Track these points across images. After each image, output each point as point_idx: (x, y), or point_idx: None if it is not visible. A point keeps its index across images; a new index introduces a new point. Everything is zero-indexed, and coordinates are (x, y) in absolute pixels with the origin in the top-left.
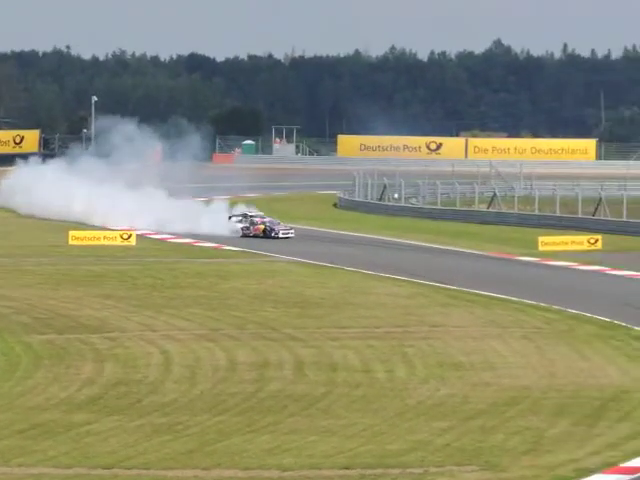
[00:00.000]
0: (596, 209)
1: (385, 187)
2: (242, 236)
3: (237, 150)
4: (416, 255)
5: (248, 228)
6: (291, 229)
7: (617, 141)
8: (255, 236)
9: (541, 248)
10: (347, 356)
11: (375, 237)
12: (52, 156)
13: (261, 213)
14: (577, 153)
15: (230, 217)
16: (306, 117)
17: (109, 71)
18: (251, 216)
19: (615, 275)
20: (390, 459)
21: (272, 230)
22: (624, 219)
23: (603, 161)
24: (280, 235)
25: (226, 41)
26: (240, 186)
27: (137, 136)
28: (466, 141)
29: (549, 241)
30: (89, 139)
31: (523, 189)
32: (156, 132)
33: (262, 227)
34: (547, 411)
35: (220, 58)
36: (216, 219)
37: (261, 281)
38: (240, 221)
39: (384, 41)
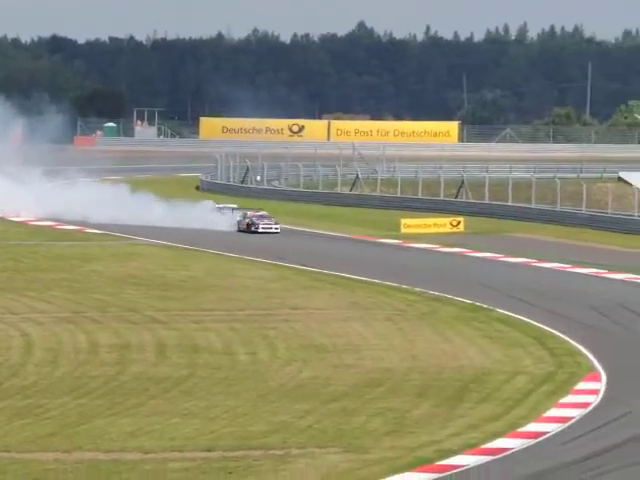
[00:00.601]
0: (458, 191)
1: (248, 169)
2: (238, 231)
3: (98, 132)
4: (279, 238)
5: (241, 222)
6: (276, 224)
7: (479, 123)
8: (244, 230)
9: (403, 230)
10: (209, 338)
11: None
12: None
13: (265, 212)
14: (440, 136)
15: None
16: (168, 99)
17: None
18: (244, 210)
19: (477, 257)
20: (252, 441)
21: (253, 224)
22: (486, 201)
23: (465, 143)
24: (259, 230)
25: (87, 23)
26: (103, 168)
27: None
28: (329, 124)
29: (411, 223)
30: None
31: (386, 171)
32: (17, 110)
33: (248, 221)
34: (409, 393)
35: (81, 40)
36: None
37: (124, 264)
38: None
39: (246, 24)
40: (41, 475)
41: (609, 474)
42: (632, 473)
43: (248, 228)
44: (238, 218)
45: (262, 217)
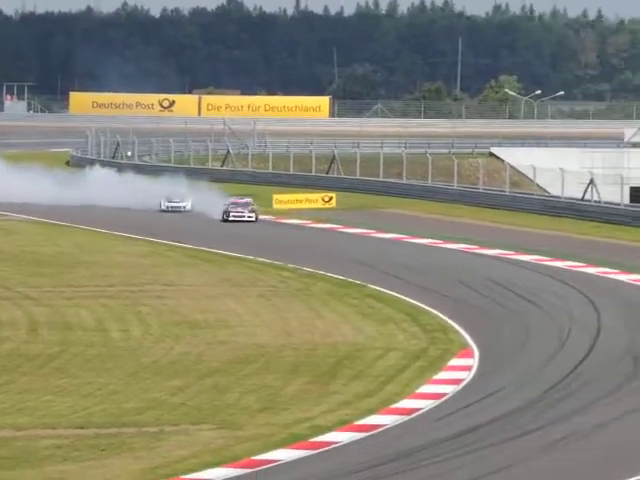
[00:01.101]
0: (330, 167)
1: (118, 145)
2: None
3: None
4: (151, 214)
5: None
6: (250, 212)
7: (350, 98)
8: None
9: (275, 206)
10: (81, 315)
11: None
12: None
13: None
14: (311, 110)
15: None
16: (38, 74)
17: None
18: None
19: (349, 233)
20: (125, 418)
21: (226, 212)
22: (358, 177)
23: (337, 118)
24: (230, 218)
25: None
26: None
27: None
28: (199, 99)
29: (283, 199)
30: None
31: (257, 147)
32: None
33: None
34: (282, 369)
35: None
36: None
37: None
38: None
39: None
40: None
41: (482, 450)
42: (503, 450)
43: (224, 217)
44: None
45: (237, 204)
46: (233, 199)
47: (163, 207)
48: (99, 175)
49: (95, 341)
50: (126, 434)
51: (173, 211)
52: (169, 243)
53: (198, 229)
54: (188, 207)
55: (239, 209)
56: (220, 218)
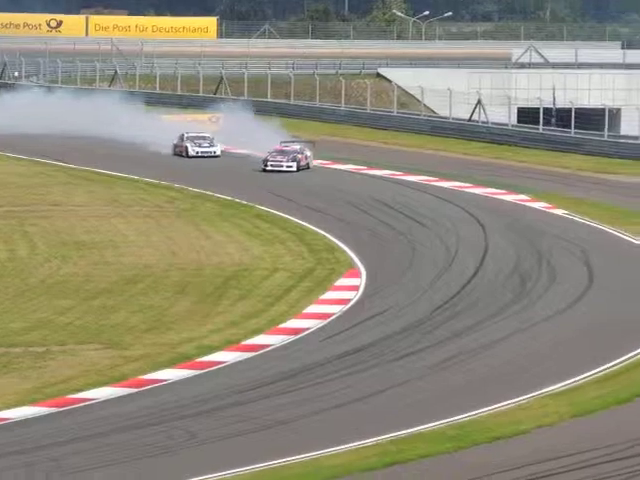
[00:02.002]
0: (217, 88)
1: (5, 65)
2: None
3: None
4: (36, 134)
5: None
6: (291, 162)
7: (238, 19)
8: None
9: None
10: None
11: None
12: None
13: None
14: (198, 31)
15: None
16: None
17: None
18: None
19: (235, 153)
20: (12, 338)
21: (265, 161)
22: (245, 97)
23: (224, 39)
24: (267, 167)
25: None
26: None
27: None
28: (87, 18)
29: (171, 120)
30: None
31: (145, 67)
32: None
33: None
34: (169, 289)
35: None
36: None
37: None
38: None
39: None
40: None
41: (368, 371)
42: (389, 370)
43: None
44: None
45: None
46: (279, 145)
47: (192, 153)
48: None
49: None
50: (13, 354)
51: (202, 156)
52: (53, 163)
53: (80, 148)
54: (218, 152)
55: (278, 158)
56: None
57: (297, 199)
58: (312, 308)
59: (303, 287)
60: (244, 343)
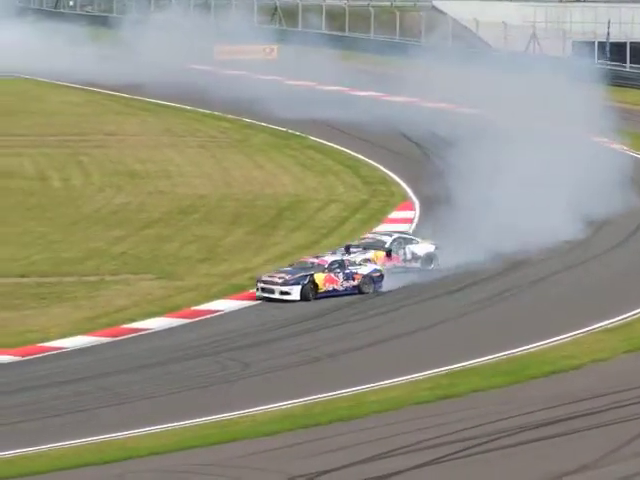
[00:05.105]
0: (272, 18)
1: None
2: None
3: None
4: (94, 61)
5: None
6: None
7: None
8: None
9: (217, 57)
10: (22, 164)
11: None
12: None
13: None
14: None
15: None
16: None
17: None
18: None
19: (291, 84)
20: (66, 267)
21: None
22: (300, 29)
23: None
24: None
25: None
26: None
27: None
28: None
29: (224, 50)
30: None
31: None
32: None
33: None
34: (223, 220)
35: None
36: None
37: None
38: None
39: None
40: None
41: (420, 304)
42: (441, 304)
43: None
44: None
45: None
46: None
47: None
48: None
49: (36, 190)
50: (67, 283)
51: None
52: (106, 92)
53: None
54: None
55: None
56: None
57: (350, 130)
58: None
59: (357, 219)
60: None
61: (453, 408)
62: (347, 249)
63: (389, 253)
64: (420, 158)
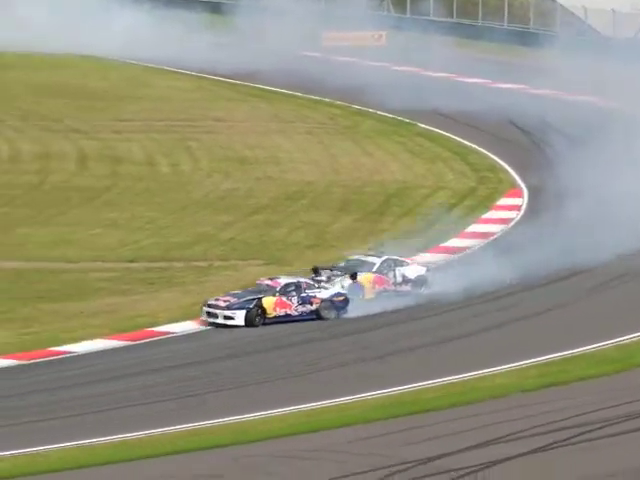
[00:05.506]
0: (380, 3)
1: None
2: None
3: None
4: (207, 48)
5: None
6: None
7: None
8: None
9: (325, 44)
10: (131, 149)
11: None
12: None
13: None
14: None
15: None
16: None
17: None
18: None
19: (398, 70)
20: (174, 252)
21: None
22: (408, 15)
23: None
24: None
25: None
26: None
27: None
28: None
29: (333, 36)
30: None
31: None
32: None
33: None
34: (331, 206)
35: None
36: None
37: (46, 73)
38: None
39: None
40: None
41: (528, 291)
42: (551, 291)
43: None
44: None
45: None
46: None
47: None
48: None
49: (145, 175)
50: (175, 268)
51: None
52: (214, 78)
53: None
54: None
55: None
56: None
57: (458, 117)
58: (474, 227)
59: (465, 206)
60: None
61: (559, 396)
62: (315, 271)
63: (354, 276)
64: (529, 146)
